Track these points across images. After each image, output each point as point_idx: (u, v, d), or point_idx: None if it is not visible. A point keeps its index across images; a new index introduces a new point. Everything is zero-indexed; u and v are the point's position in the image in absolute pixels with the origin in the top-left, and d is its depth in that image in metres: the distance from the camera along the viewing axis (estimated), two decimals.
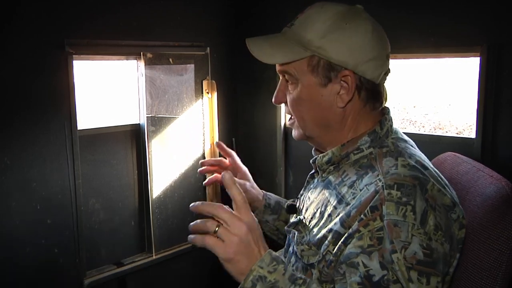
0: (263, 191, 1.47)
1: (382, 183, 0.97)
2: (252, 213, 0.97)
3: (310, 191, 1.20)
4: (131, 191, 2.31)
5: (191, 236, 0.95)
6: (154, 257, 2.34)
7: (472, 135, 1.81)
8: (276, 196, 1.49)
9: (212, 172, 1.44)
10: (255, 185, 1.46)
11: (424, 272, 0.89)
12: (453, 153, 1.49)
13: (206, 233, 0.93)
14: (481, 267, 1.04)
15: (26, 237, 1.92)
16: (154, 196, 2.32)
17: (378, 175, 1.00)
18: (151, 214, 2.31)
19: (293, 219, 1.23)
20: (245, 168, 1.45)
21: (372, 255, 0.91)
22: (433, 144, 1.83)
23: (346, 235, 0.96)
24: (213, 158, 1.42)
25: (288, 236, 1.20)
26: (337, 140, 1.12)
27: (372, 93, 1.10)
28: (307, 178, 1.26)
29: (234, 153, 1.44)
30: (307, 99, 1.08)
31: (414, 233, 0.91)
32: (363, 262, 0.91)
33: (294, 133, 1.18)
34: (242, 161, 2.75)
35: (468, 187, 1.19)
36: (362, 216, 0.95)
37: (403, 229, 0.91)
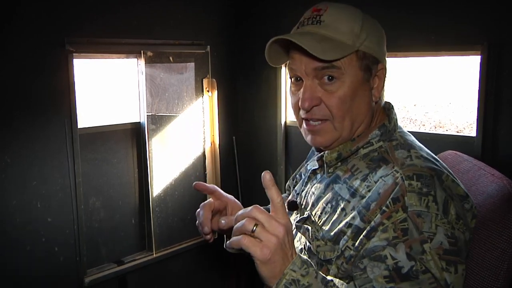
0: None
1: (400, 174, 0.96)
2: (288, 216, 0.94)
3: (314, 186, 1.18)
4: (131, 190, 2.31)
5: (228, 242, 0.91)
6: (154, 255, 2.34)
7: (473, 133, 1.81)
8: None
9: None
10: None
11: (452, 261, 0.89)
12: (453, 151, 1.49)
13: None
14: (483, 265, 1.04)
15: (26, 235, 1.92)
16: (154, 195, 2.32)
17: (393, 167, 1.00)
18: (152, 213, 2.31)
19: (294, 215, 1.22)
20: (233, 199, 1.29)
21: (397, 247, 0.90)
22: (433, 143, 1.83)
23: (368, 228, 0.95)
24: (203, 216, 1.24)
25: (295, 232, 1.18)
26: (351, 137, 1.11)
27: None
28: (308, 174, 1.24)
29: (216, 187, 1.27)
30: (353, 95, 1.04)
31: (438, 223, 0.91)
32: (390, 255, 0.90)
33: (321, 139, 1.08)
34: (242, 159, 2.77)
35: (469, 186, 1.19)
36: (384, 208, 0.94)
37: (426, 220, 0.91)
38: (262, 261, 0.87)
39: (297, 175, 1.36)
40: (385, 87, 1.14)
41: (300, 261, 0.91)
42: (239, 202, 1.30)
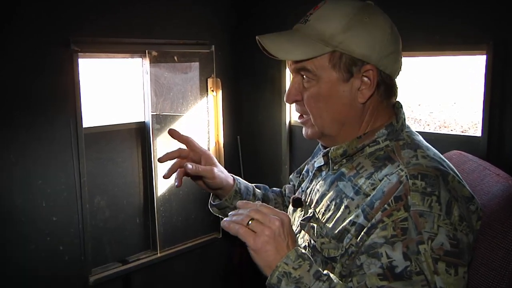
0: (232, 175, 1.43)
1: (405, 173, 0.96)
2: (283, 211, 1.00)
3: (319, 183, 1.18)
4: (136, 189, 2.31)
5: (225, 223, 0.96)
6: (158, 254, 2.35)
7: (478, 133, 1.80)
8: (244, 181, 1.45)
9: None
10: (222, 168, 1.36)
11: (452, 263, 0.89)
12: (458, 151, 1.48)
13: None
14: (488, 265, 1.03)
15: (31, 234, 1.93)
16: (159, 194, 2.33)
17: (399, 166, 1.00)
18: (156, 212, 2.32)
19: (298, 212, 1.22)
20: (208, 152, 1.35)
21: (395, 246, 0.91)
22: (438, 142, 1.81)
23: (369, 225, 0.96)
24: (170, 152, 1.34)
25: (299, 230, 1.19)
26: (352, 135, 1.11)
27: (390, 88, 1.10)
28: (314, 171, 1.24)
29: (191, 138, 1.34)
30: (327, 95, 1.05)
31: (440, 224, 0.90)
32: (386, 253, 0.91)
33: (307, 131, 1.13)
34: (246, 159, 2.77)
35: (474, 186, 1.19)
36: (385, 206, 0.94)
37: (428, 220, 0.90)
38: (255, 250, 0.94)
39: (304, 172, 1.36)
40: (397, 86, 1.13)
41: (295, 255, 0.95)
42: (213, 156, 1.35)
